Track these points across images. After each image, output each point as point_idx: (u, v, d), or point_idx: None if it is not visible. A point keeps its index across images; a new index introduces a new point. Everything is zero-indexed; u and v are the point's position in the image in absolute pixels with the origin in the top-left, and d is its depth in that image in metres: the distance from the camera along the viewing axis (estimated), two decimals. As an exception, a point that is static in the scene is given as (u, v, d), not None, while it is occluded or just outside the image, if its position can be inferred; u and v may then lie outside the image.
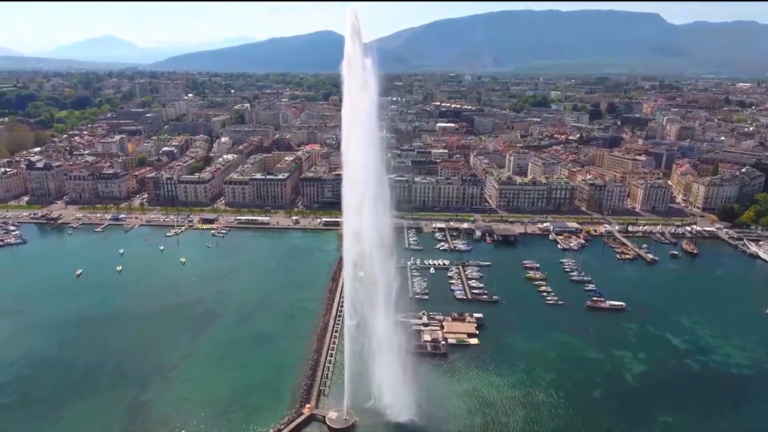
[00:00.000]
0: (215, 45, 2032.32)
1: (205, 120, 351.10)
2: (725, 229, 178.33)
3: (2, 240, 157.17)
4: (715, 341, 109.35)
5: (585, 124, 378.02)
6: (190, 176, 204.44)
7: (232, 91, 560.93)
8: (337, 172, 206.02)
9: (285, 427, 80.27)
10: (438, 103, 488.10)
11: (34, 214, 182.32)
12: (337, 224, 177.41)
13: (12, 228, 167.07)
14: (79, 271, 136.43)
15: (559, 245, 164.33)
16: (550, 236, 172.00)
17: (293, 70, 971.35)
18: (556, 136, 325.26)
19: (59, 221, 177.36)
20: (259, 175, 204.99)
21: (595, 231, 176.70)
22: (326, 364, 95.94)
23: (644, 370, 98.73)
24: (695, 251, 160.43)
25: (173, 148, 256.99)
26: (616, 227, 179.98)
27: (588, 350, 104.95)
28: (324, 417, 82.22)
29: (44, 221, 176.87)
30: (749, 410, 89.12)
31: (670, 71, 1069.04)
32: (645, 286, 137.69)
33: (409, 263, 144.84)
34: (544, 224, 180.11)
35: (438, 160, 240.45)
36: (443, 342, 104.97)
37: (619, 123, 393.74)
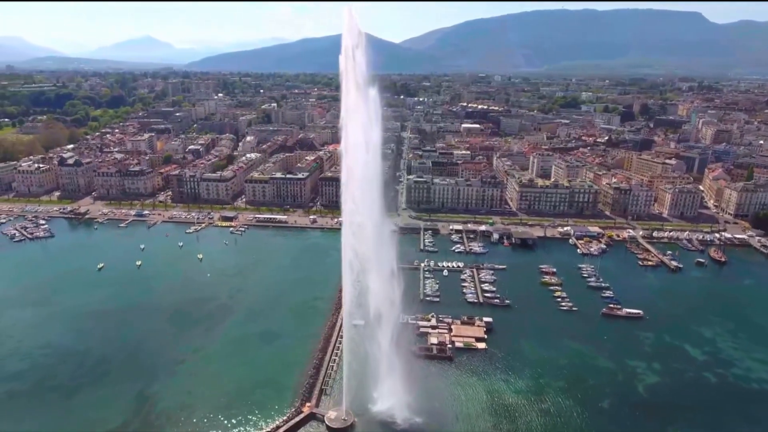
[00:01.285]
0: (249, 46, 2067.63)
1: (232, 119, 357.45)
2: (757, 237, 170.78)
3: (32, 233, 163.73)
4: (737, 354, 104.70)
5: (615, 126, 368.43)
6: (213, 174, 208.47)
7: (262, 90, 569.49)
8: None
9: (284, 424, 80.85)
10: (465, 104, 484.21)
11: (63, 209, 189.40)
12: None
13: (42, 222, 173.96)
14: (101, 265, 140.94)
15: (578, 250, 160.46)
16: (570, 240, 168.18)
17: (324, 71, 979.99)
18: (584, 138, 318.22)
19: (86, 216, 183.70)
20: (279, 174, 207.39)
21: (618, 236, 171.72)
22: (330, 364, 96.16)
23: (657, 382, 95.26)
24: (723, 259, 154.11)
25: (199, 147, 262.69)
26: (640, 233, 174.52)
27: (600, 359, 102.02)
28: (323, 416, 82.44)
29: (72, 216, 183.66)
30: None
31: (711, 72, 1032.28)
32: (666, 295, 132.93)
33: (422, 265, 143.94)
34: (565, 228, 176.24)
35: (459, 162, 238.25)
36: (450, 345, 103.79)
37: (651, 125, 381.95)
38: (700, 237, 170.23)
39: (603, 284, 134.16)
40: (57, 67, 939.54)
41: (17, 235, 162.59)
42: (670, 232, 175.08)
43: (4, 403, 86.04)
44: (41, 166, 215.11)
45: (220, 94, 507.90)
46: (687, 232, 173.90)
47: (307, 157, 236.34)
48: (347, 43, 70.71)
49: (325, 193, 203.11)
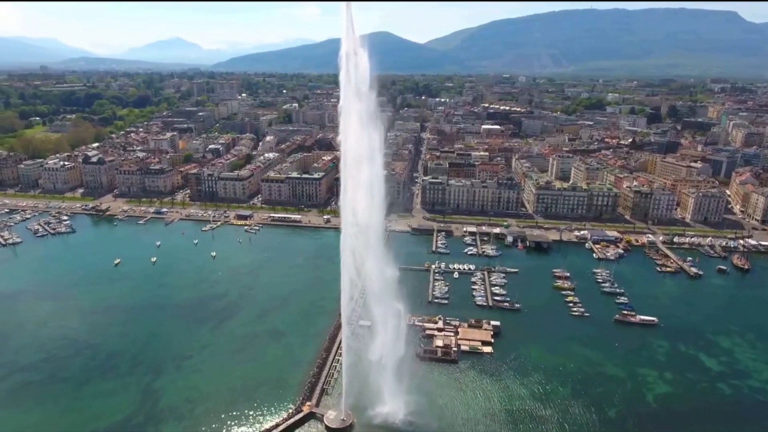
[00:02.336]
0: (275, 47, 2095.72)
1: (254, 119, 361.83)
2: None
3: (54, 229, 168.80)
4: (755, 365, 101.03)
5: (641, 129, 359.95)
6: (230, 173, 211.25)
7: (284, 91, 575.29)
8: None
9: (283, 422, 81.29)
10: (487, 105, 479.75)
11: (86, 205, 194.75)
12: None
13: (65, 218, 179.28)
14: (118, 261, 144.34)
15: (594, 254, 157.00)
16: (587, 245, 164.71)
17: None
18: (607, 140, 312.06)
19: (107, 213, 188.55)
20: (295, 174, 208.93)
21: (637, 241, 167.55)
22: (333, 364, 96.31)
23: (668, 392, 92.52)
24: (747, 267, 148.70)
25: (219, 146, 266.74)
26: (660, 238, 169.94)
27: (609, 366, 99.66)
28: (323, 416, 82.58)
29: (93, 212, 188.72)
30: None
31: (747, 73, 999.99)
32: (683, 302, 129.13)
33: (433, 267, 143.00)
34: (581, 232, 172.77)
35: (477, 163, 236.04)
36: (455, 348, 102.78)
37: (679, 127, 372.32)
38: (724, 243, 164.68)
39: (617, 290, 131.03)
40: (89, 68, 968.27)
41: (40, 230, 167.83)
42: (691, 237, 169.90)
43: (18, 392, 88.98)
44: (66, 163, 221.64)
45: (244, 95, 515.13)
46: (710, 238, 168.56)
47: (324, 158, 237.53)
48: (346, 47, 70.04)
49: (340, 193, 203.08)
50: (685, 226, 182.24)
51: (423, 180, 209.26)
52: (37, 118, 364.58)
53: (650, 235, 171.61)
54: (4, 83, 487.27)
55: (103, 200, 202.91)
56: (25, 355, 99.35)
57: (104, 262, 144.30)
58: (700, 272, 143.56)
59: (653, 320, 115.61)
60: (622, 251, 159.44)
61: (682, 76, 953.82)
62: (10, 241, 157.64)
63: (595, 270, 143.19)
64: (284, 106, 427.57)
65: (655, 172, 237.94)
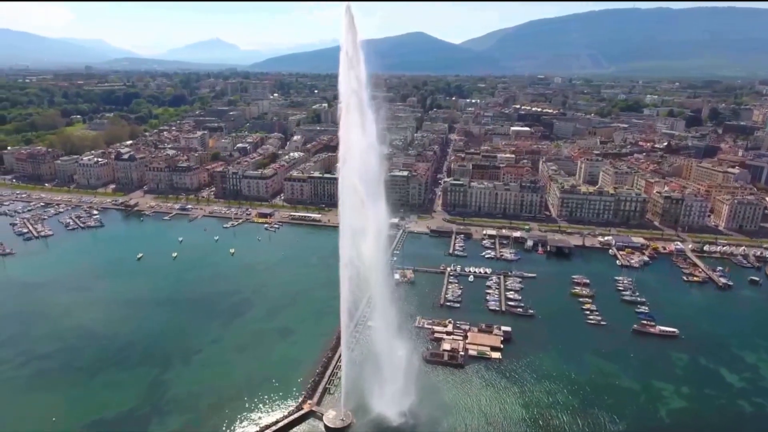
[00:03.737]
0: (310, 47, 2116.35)
1: (283, 119, 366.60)
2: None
3: (84, 223, 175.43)
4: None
5: (678, 132, 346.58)
6: (254, 172, 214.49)
7: (316, 91, 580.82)
8: (393, 173, 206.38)
9: (282, 420, 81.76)
10: (518, 106, 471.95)
11: (115, 201, 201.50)
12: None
13: (95, 212, 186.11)
14: (140, 255, 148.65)
15: (618, 261, 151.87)
16: (610, 251, 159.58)
17: (382, 72, 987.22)
18: (641, 143, 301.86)
19: (135, 208, 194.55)
20: (317, 174, 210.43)
21: (664, 248, 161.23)
22: (337, 364, 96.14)
23: (683, 407, 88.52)
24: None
25: (247, 145, 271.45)
26: (690, 246, 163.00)
27: (623, 378, 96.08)
28: (322, 415, 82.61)
29: (122, 208, 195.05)
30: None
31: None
32: (709, 313, 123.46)
33: (448, 269, 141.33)
34: (606, 238, 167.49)
35: (502, 165, 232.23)
36: (462, 353, 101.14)
37: (720, 131, 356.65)
38: (758, 253, 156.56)
39: (639, 299, 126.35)
40: (132, 68, 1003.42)
41: (71, 223, 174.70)
42: (723, 246, 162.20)
43: (33, 379, 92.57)
44: (100, 160, 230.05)
45: (276, 94, 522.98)
46: (743, 248, 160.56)
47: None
48: (347, 51, 69.30)
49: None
50: (717, 234, 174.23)
51: (444, 181, 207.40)
52: (78, 116, 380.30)
53: (679, 243, 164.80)
54: (50, 82, 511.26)
55: (133, 196, 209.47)
56: (44, 343, 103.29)
57: (127, 256, 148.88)
58: (730, 283, 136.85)
59: (674, 331, 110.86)
60: (648, 259, 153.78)
61: (728, 77, 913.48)
62: (43, 233, 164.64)
63: (616, 277, 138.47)
64: (314, 106, 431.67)
65: (690, 177, 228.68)
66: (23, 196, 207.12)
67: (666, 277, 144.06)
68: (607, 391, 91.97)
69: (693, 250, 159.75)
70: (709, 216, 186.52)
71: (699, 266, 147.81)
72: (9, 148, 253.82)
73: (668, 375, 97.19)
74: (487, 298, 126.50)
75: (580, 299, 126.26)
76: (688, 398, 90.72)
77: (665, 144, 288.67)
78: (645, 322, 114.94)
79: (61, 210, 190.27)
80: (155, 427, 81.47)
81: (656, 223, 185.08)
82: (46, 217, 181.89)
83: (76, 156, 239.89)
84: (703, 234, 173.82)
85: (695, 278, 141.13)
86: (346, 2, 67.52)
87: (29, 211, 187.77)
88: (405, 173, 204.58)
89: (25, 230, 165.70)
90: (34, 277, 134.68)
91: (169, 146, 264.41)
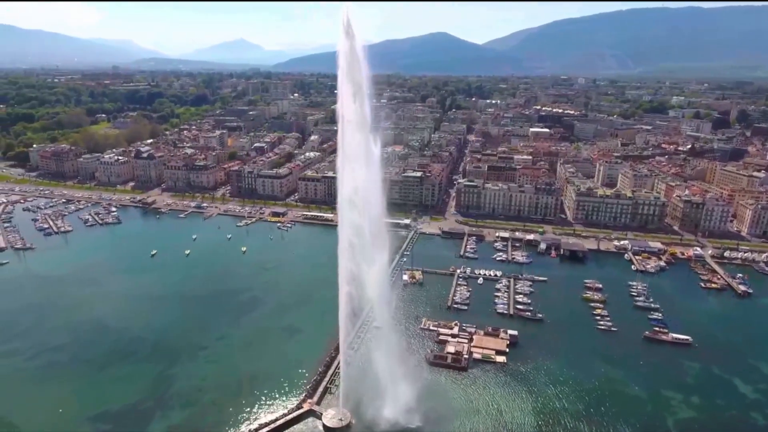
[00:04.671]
0: (332, 47, 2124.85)
1: (301, 119, 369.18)
2: None
3: (103, 219, 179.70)
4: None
5: (704, 134, 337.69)
6: (269, 171, 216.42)
7: (336, 91, 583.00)
8: (406, 174, 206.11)
9: (282, 418, 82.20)
10: (539, 107, 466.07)
11: (134, 198, 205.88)
12: (398, 225, 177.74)
13: (113, 209, 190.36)
14: (154, 252, 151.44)
15: (633, 266, 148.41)
16: (626, 255, 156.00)
17: (404, 72, 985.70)
18: (663, 145, 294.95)
19: (152, 206, 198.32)
20: (331, 173, 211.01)
21: (683, 254, 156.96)
22: (345, 363, 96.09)
23: (692, 417, 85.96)
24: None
25: (264, 144, 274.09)
26: (710, 251, 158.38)
27: (630, 386, 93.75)
28: (322, 414, 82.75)
29: (140, 205, 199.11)
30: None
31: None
32: (725, 322, 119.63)
33: (458, 271, 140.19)
34: (622, 242, 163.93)
35: (518, 167, 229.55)
36: (466, 356, 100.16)
37: (748, 134, 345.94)
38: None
39: (652, 305, 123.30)
40: (158, 68, 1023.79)
41: (90, 220, 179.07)
42: (745, 252, 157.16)
43: (43, 371, 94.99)
44: (120, 158, 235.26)
45: (296, 94, 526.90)
46: (766, 254, 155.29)
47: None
48: (344, 54, 68.83)
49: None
50: (739, 240, 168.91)
51: (458, 183, 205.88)
52: (103, 115, 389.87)
53: (698, 248, 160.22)
54: (77, 82, 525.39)
55: (151, 194, 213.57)
56: (56, 336, 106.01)
57: (142, 253, 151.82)
58: (750, 290, 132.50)
59: (687, 339, 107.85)
60: (665, 264, 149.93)
61: (761, 78, 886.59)
62: (62, 229, 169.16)
63: (630, 282, 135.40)
64: (332, 106, 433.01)
65: (714, 181, 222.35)
66: (46, 192, 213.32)
67: (683, 283, 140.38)
68: (613, 398, 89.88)
69: (713, 256, 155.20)
70: (731, 221, 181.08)
71: (718, 273, 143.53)
72: (35, 146, 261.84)
73: (678, 384, 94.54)
74: (496, 301, 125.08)
75: (592, 304, 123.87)
76: (698, 408, 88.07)
77: (689, 146, 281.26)
78: (657, 328, 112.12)
79: (81, 206, 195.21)
80: (158, 421, 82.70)
81: (675, 228, 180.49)
82: (66, 213, 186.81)
83: (98, 154, 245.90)
84: (725, 240, 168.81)
85: (713, 285, 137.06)
86: (345, 3, 67.18)
87: (51, 207, 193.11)
88: (418, 174, 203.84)
89: (46, 226, 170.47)
90: (51, 271, 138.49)
91: (188, 145, 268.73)
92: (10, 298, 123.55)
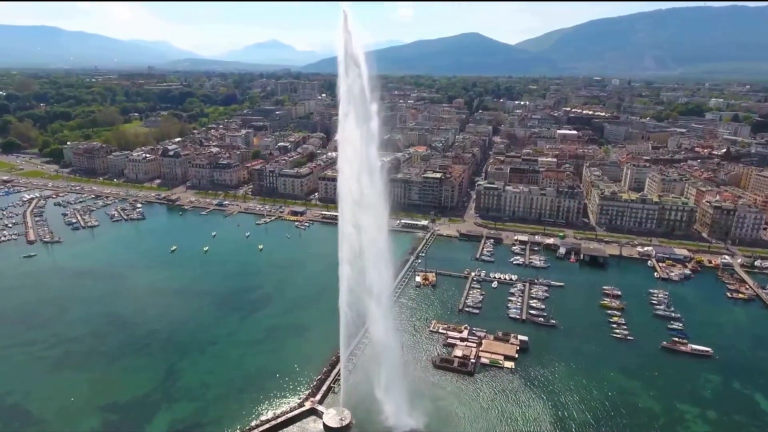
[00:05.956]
0: (365, 48, 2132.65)
1: (326, 119, 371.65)
2: None
3: (128, 215, 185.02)
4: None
5: (742, 138, 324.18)
6: (290, 170, 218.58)
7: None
8: (425, 175, 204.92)
9: (282, 415, 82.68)
10: (568, 109, 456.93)
11: (159, 195, 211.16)
12: (415, 227, 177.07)
13: (138, 206, 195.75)
14: (174, 248, 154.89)
15: (656, 273, 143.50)
16: (649, 262, 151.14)
17: (435, 72, 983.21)
18: (697, 149, 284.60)
19: (176, 203, 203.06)
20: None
21: (710, 262, 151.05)
22: (346, 363, 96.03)
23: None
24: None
25: (288, 144, 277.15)
26: (739, 260, 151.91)
27: (643, 397, 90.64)
28: (322, 413, 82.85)
29: (164, 202, 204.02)
30: None
31: None
32: (750, 334, 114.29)
33: (472, 274, 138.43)
34: (645, 248, 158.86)
35: (542, 169, 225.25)
36: (473, 360, 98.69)
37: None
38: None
39: (673, 314, 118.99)
40: (192, 69, 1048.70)
41: (116, 215, 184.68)
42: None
43: (60, 360, 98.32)
44: (147, 156, 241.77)
45: (323, 95, 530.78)
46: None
47: (384, 158, 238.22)
48: (346, 53, 68.31)
49: (393, 195, 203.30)
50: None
51: (478, 184, 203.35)
52: (136, 114, 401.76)
53: (727, 257, 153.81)
54: (113, 82, 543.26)
55: (176, 191, 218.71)
56: (75, 327, 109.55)
57: (162, 248, 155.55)
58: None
59: (707, 351, 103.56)
60: (690, 272, 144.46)
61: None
62: (89, 223, 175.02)
63: (652, 290, 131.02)
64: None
65: (749, 187, 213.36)
66: (77, 188, 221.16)
67: (707, 292, 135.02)
68: (623, 409, 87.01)
69: (742, 265, 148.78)
70: (765, 229, 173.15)
71: (746, 282, 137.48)
72: (68, 143, 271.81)
73: (694, 397, 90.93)
74: (509, 305, 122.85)
75: (609, 311, 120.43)
76: (714, 424, 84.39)
77: (724, 150, 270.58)
78: (676, 339, 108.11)
79: (109, 202, 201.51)
80: (163, 413, 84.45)
81: (704, 235, 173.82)
82: (94, 208, 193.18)
83: (127, 152, 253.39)
84: (756, 248, 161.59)
85: (740, 295, 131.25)
86: (344, 2, 66.83)
87: (81, 202, 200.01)
88: (438, 175, 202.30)
89: (74, 220, 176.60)
90: (75, 265, 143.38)
91: (214, 144, 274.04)
92: (35, 289, 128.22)
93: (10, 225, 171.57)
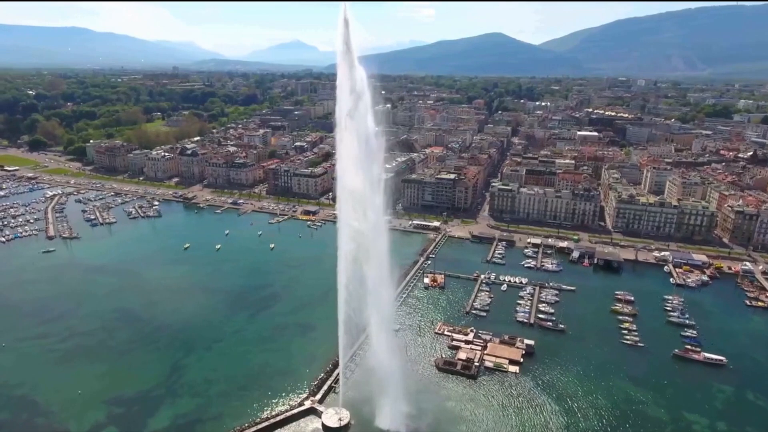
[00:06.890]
0: (386, 48, 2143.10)
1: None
2: None
3: (145, 212, 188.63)
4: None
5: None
6: (304, 170, 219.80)
7: (383, 92, 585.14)
8: (440, 176, 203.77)
9: (282, 414, 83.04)
10: (591, 110, 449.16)
11: (176, 193, 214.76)
12: (427, 228, 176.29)
13: (156, 203, 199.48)
14: (187, 245, 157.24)
15: (672, 279, 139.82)
16: (666, 268, 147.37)
17: (457, 73, 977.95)
18: (722, 152, 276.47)
19: (192, 201, 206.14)
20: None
21: (730, 268, 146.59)
22: (348, 364, 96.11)
23: (716, 445, 79.90)
24: None
25: (305, 144, 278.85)
26: (761, 267, 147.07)
27: (651, 406, 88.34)
28: (321, 413, 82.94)
29: (181, 200, 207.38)
30: None
31: None
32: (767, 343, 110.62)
33: (482, 276, 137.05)
34: (662, 253, 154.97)
35: (558, 171, 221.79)
36: (477, 363, 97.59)
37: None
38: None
39: (687, 321, 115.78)
40: (216, 69, 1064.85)
41: (133, 212, 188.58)
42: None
43: (70, 354, 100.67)
44: (166, 154, 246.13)
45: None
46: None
47: (398, 158, 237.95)
48: (342, 52, 68.02)
49: (407, 195, 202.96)
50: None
51: (492, 186, 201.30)
52: (158, 113, 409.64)
53: (748, 263, 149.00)
54: (138, 82, 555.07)
55: (192, 189, 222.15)
56: (87, 321, 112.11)
57: (176, 246, 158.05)
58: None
59: (721, 360, 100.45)
60: (708, 278, 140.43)
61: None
62: (107, 220, 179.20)
63: (666, 296, 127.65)
64: (376, 107, 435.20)
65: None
66: (98, 185, 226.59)
67: (725, 299, 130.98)
68: (629, 418, 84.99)
69: (764, 272, 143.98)
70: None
71: (767, 290, 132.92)
72: (91, 141, 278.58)
73: (705, 407, 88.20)
74: (518, 309, 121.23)
75: (620, 317, 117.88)
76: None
77: (750, 153, 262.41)
78: (689, 347, 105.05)
79: (128, 200, 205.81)
80: (166, 408, 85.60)
81: (725, 240, 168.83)
82: (113, 205, 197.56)
83: (147, 150, 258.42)
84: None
85: (760, 303, 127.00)
86: (344, 2, 66.56)
87: (100, 199, 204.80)
88: (452, 176, 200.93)
89: (93, 217, 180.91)
90: (92, 260, 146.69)
91: (231, 143, 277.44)
92: (51, 284, 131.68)
93: (32, 221, 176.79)
